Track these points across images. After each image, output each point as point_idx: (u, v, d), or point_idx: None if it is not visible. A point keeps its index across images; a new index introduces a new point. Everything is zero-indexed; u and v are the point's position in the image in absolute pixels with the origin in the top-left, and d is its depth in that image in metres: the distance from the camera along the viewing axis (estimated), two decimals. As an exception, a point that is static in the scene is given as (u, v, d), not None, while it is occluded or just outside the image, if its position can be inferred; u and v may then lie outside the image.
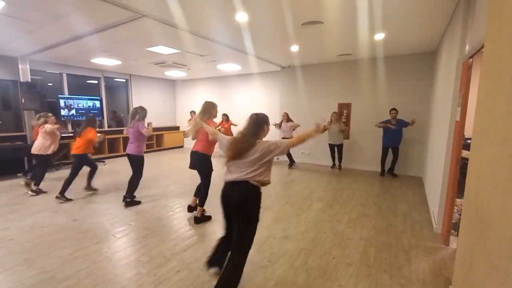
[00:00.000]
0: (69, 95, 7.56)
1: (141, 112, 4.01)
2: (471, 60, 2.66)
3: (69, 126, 7.69)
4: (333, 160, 6.84)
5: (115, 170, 6.59)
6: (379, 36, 4.57)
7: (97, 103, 7.85)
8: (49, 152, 4.65)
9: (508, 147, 1.17)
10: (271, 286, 2.25)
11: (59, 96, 7.11)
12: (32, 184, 4.72)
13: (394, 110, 5.71)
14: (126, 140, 8.66)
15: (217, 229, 3.34)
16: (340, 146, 6.53)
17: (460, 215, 2.69)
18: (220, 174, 3.61)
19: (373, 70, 6.38)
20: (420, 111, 5.87)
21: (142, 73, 9.25)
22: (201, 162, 3.42)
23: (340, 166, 6.74)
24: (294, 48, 5.49)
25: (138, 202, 4.17)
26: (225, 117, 7.93)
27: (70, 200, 4.31)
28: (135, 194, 4.20)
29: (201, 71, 8.74)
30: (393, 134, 5.74)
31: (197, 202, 3.58)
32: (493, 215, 1.28)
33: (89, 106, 7.63)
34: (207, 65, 7.50)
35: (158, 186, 5.14)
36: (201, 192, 3.49)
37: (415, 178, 5.91)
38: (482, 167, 1.50)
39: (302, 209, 3.98)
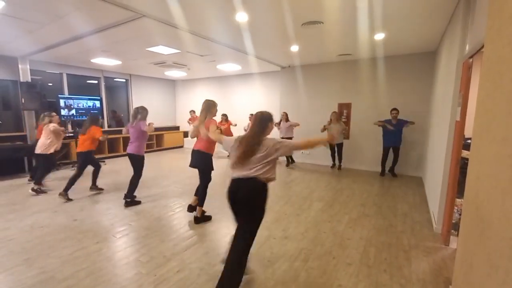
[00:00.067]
0: (69, 95, 7.56)
1: (143, 112, 4.03)
2: (471, 60, 2.66)
3: (69, 126, 7.69)
4: (333, 159, 6.84)
5: (115, 170, 6.58)
6: (379, 36, 4.57)
7: (97, 103, 7.85)
8: (51, 151, 4.66)
9: (508, 147, 1.17)
10: (271, 286, 2.25)
11: (59, 96, 7.11)
12: (33, 183, 4.73)
13: (395, 110, 5.71)
14: (126, 140, 8.68)
15: (217, 229, 3.34)
16: (340, 146, 6.52)
17: (460, 215, 2.69)
18: (219, 174, 3.62)
19: (373, 70, 6.38)
20: (420, 111, 5.87)
21: (142, 73, 9.25)
22: (202, 161, 3.42)
23: (340, 166, 6.74)
24: (294, 48, 5.49)
25: (138, 202, 4.17)
26: (224, 117, 7.93)
27: (71, 200, 4.30)
28: (135, 194, 4.20)
29: (201, 71, 8.74)
30: (394, 135, 5.74)
31: (197, 200, 3.57)
32: (493, 215, 1.28)
33: (89, 106, 7.63)
34: (207, 65, 7.50)
35: (158, 186, 5.14)
36: (200, 192, 3.49)
37: (415, 178, 5.91)
38: (482, 167, 1.50)
39: (302, 209, 3.98)
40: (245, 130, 7.53)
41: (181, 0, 3.24)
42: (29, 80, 6.53)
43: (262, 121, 2.13)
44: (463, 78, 2.76)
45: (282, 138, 6.53)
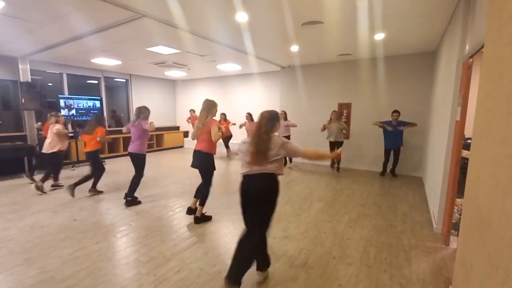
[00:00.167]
0: (69, 95, 7.56)
1: (145, 111, 4.06)
2: (471, 60, 2.66)
3: (69, 126, 7.68)
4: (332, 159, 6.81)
5: (115, 170, 6.58)
6: (379, 36, 4.57)
7: (97, 103, 7.85)
8: (53, 150, 4.70)
9: (508, 147, 1.17)
10: (271, 286, 2.25)
11: (59, 96, 7.11)
12: (38, 180, 4.79)
13: (396, 112, 5.66)
14: (126, 140, 8.69)
15: (217, 229, 3.34)
16: (340, 145, 6.41)
17: (460, 215, 2.69)
18: (220, 174, 3.63)
19: (373, 70, 6.38)
20: (420, 111, 5.87)
21: (142, 73, 9.25)
22: (204, 161, 3.41)
23: (338, 168, 6.64)
24: (294, 48, 5.50)
25: (139, 202, 4.18)
26: (223, 116, 7.93)
27: (73, 196, 4.36)
28: (136, 194, 4.20)
29: (201, 71, 8.74)
30: (394, 137, 5.71)
31: (196, 203, 3.56)
32: (493, 215, 1.28)
33: (89, 106, 7.63)
34: (207, 65, 7.50)
35: (158, 186, 5.14)
36: (202, 192, 3.48)
37: (415, 178, 5.91)
38: (482, 167, 1.50)
39: (302, 209, 3.98)
40: (246, 129, 7.53)
41: (181, 0, 3.24)
42: (29, 80, 6.53)
43: (270, 120, 2.22)
44: (463, 78, 2.76)
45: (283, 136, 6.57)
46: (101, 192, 4.68)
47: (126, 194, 4.14)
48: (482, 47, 1.80)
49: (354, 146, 6.83)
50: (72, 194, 4.34)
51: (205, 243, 2.97)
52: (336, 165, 6.71)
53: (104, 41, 5.05)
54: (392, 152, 5.90)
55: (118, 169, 6.70)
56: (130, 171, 4.16)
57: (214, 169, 3.49)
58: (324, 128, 6.27)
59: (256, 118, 7.10)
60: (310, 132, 7.24)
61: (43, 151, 4.75)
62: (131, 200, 4.11)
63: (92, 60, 6.85)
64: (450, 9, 3.43)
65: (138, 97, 9.66)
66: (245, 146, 2.23)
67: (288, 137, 6.53)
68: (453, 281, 2.03)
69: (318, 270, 2.47)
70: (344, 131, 6.34)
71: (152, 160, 7.86)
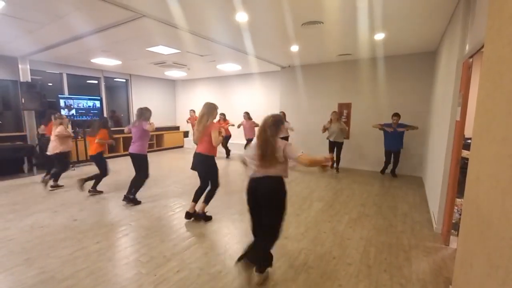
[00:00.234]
0: (69, 95, 7.56)
1: (146, 113, 4.08)
2: (471, 60, 2.66)
3: (69, 126, 7.68)
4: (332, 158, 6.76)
5: (115, 170, 6.58)
6: (379, 36, 4.57)
7: (97, 103, 7.85)
8: (56, 151, 4.75)
9: (508, 147, 1.17)
10: (271, 286, 2.25)
11: (59, 96, 7.11)
12: (51, 180, 4.94)
13: (396, 116, 5.63)
14: (125, 140, 8.69)
15: (217, 229, 3.34)
16: (340, 145, 6.36)
17: (460, 215, 2.69)
18: (220, 175, 3.66)
19: (373, 70, 6.37)
20: (420, 111, 5.87)
21: (142, 73, 9.25)
22: (206, 165, 3.44)
23: (337, 169, 6.55)
24: (294, 48, 5.50)
25: (139, 202, 4.18)
26: (223, 116, 7.93)
27: (82, 191, 4.55)
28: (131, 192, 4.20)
29: (201, 71, 8.74)
30: (394, 139, 5.69)
31: (195, 207, 3.54)
32: (493, 215, 1.28)
33: (89, 106, 7.62)
34: (207, 65, 7.50)
35: (158, 186, 5.14)
36: (209, 192, 3.51)
37: (415, 178, 5.91)
38: (482, 167, 1.50)
39: (302, 209, 3.98)
40: (244, 127, 7.51)
41: (181, 0, 3.24)
42: (29, 80, 6.53)
43: (274, 124, 2.27)
44: (463, 78, 2.76)
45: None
46: (101, 192, 4.69)
47: (125, 195, 4.14)
48: (482, 47, 1.80)
49: (354, 146, 6.82)
50: (81, 188, 4.51)
51: (205, 243, 2.97)
52: (335, 165, 6.66)
53: (104, 41, 5.05)
54: (392, 155, 5.89)
55: (118, 169, 6.70)
56: (131, 171, 4.16)
57: (218, 170, 3.52)
58: (324, 130, 6.25)
59: (256, 118, 7.08)
60: (310, 132, 7.24)
61: (48, 152, 4.82)
62: (133, 198, 4.12)
63: (92, 60, 6.85)
64: (450, 9, 3.43)
65: (138, 97, 9.66)
66: (252, 149, 2.28)
67: (286, 138, 6.51)
68: (453, 281, 2.03)
69: (318, 270, 2.47)
70: (343, 132, 6.27)
71: (152, 160, 7.81)
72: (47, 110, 6.30)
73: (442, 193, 3.16)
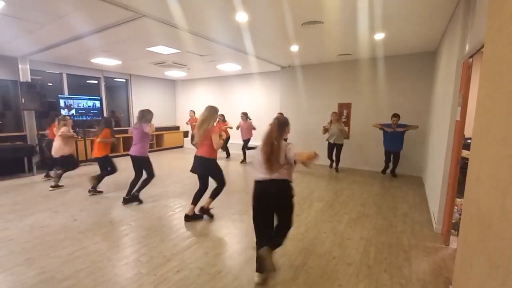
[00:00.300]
0: (69, 95, 7.56)
1: (148, 115, 4.10)
2: (471, 59, 2.66)
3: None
4: (331, 159, 6.62)
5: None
6: (379, 36, 4.57)
7: (97, 103, 7.85)
8: (61, 154, 4.82)
9: (508, 147, 1.17)
10: (271, 286, 2.25)
11: (59, 96, 7.11)
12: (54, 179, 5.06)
13: (395, 117, 5.59)
14: (125, 140, 8.70)
15: (217, 229, 3.34)
16: (339, 147, 6.33)
17: (460, 215, 2.69)
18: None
19: (373, 70, 6.37)
20: (420, 111, 5.87)
21: (142, 73, 9.25)
22: (207, 168, 3.46)
23: (337, 169, 6.53)
24: (294, 48, 5.50)
25: (140, 201, 4.21)
26: (222, 117, 7.93)
27: (96, 192, 4.66)
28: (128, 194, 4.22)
29: (201, 71, 8.74)
30: (394, 139, 5.65)
31: (194, 210, 3.56)
32: (493, 215, 1.28)
33: (89, 106, 7.62)
34: (207, 65, 7.50)
35: (158, 186, 5.14)
36: (216, 189, 3.53)
37: (415, 178, 5.91)
38: (482, 167, 1.50)
39: (302, 209, 3.98)
40: (241, 128, 7.50)
41: (181, 0, 3.24)
42: (29, 80, 6.53)
43: (279, 126, 2.31)
44: (463, 78, 2.76)
45: None
46: (101, 192, 4.69)
47: (124, 198, 4.16)
48: (482, 47, 1.80)
49: (354, 146, 6.82)
50: (93, 184, 4.66)
51: (205, 243, 2.97)
52: (335, 165, 6.63)
53: (104, 41, 5.05)
54: (392, 155, 5.86)
55: (119, 169, 6.68)
56: (131, 172, 4.17)
57: (221, 169, 3.54)
58: (325, 131, 6.23)
59: (256, 118, 7.09)
60: (310, 132, 7.24)
61: (53, 154, 4.88)
62: (137, 195, 4.18)
63: (92, 60, 6.85)
64: (450, 9, 3.43)
65: (138, 97, 9.66)
66: (258, 152, 2.33)
67: (285, 139, 6.46)
68: (453, 281, 2.03)
69: (318, 270, 2.47)
70: (343, 133, 6.20)
71: (152, 160, 7.82)
72: (51, 112, 6.36)
73: (442, 193, 3.16)
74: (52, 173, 5.55)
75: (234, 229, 3.35)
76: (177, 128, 11.24)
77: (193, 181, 5.58)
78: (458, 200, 2.98)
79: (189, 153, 9.27)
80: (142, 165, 4.14)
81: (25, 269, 2.46)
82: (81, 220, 3.57)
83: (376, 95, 6.43)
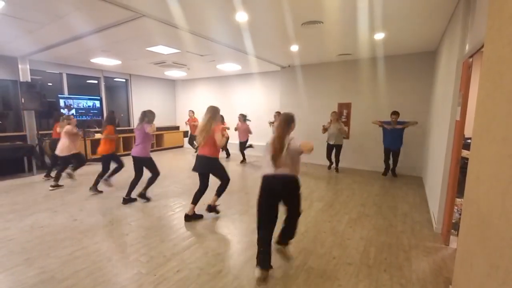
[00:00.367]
0: (69, 95, 7.55)
1: (150, 115, 4.14)
2: (471, 59, 2.66)
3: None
4: (329, 160, 6.56)
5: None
6: (379, 36, 4.57)
7: (97, 103, 7.84)
8: (65, 153, 4.88)
9: (508, 147, 1.17)
10: (271, 286, 2.25)
11: (59, 96, 7.10)
12: (71, 170, 5.23)
13: (394, 114, 5.56)
14: (125, 139, 8.70)
15: (217, 229, 3.34)
16: (338, 147, 6.29)
17: (460, 215, 2.69)
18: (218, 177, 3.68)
19: (373, 70, 6.37)
20: (420, 111, 5.87)
21: (142, 73, 9.25)
22: (212, 166, 3.51)
23: (337, 169, 6.50)
24: (294, 48, 5.49)
25: (148, 199, 4.31)
26: (221, 117, 7.91)
27: (101, 192, 4.71)
28: (135, 194, 4.23)
29: (201, 71, 8.74)
30: (394, 136, 5.61)
31: (194, 209, 3.57)
32: (493, 215, 1.28)
33: (89, 106, 7.62)
34: (207, 65, 7.50)
35: (158, 186, 5.13)
36: (221, 186, 3.59)
37: (415, 178, 5.91)
38: (482, 167, 1.50)
39: (302, 209, 3.97)
40: (239, 130, 7.49)
41: (181, 0, 3.24)
42: (29, 80, 6.52)
43: (286, 122, 2.43)
44: (463, 78, 2.76)
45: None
46: (100, 192, 4.69)
47: (124, 198, 4.17)
48: (482, 46, 1.80)
49: (354, 146, 6.82)
50: (110, 185, 4.82)
51: (204, 243, 2.97)
52: (334, 166, 6.60)
53: (104, 41, 5.04)
54: (391, 154, 5.83)
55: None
56: (131, 171, 4.18)
57: (223, 166, 3.61)
58: (324, 130, 6.21)
59: (256, 118, 7.10)
60: (310, 132, 7.23)
61: (57, 153, 4.92)
62: (144, 194, 4.27)
63: (92, 60, 6.85)
64: (450, 9, 3.43)
65: (138, 97, 9.66)
66: (268, 147, 2.43)
67: None
68: (453, 281, 2.03)
69: (318, 270, 2.47)
70: (342, 133, 6.15)
71: (152, 160, 7.84)
72: (54, 112, 6.43)
73: (442, 193, 3.16)
74: (54, 173, 5.50)
75: (234, 229, 3.35)
76: (177, 128, 11.24)
77: (193, 181, 5.58)
78: (458, 200, 2.98)
79: (189, 153, 9.27)
80: (145, 165, 4.18)
81: (25, 269, 2.46)
82: (81, 220, 3.57)
83: (376, 95, 6.43)
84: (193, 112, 8.79)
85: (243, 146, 7.54)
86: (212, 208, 3.66)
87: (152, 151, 9.47)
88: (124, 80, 9.34)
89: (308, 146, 2.27)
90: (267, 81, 8.85)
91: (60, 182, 5.05)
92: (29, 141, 6.62)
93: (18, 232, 3.20)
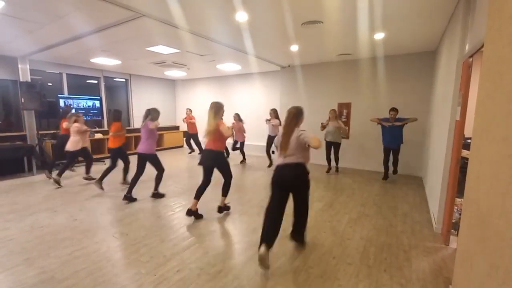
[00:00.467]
0: (68, 95, 7.56)
1: (154, 113, 4.29)
2: (471, 59, 2.66)
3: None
4: (329, 162, 6.39)
5: (116, 169, 6.56)
6: (379, 36, 4.57)
7: (97, 103, 7.85)
8: (78, 148, 5.09)
9: (508, 147, 1.17)
10: (271, 286, 2.25)
11: (59, 96, 7.11)
12: (85, 173, 5.49)
13: (393, 111, 5.42)
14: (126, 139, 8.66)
15: (217, 229, 3.34)
16: (336, 145, 6.19)
17: (460, 214, 2.69)
18: (219, 174, 3.67)
19: (373, 69, 6.37)
20: (420, 111, 5.86)
21: (142, 73, 9.25)
22: (218, 160, 3.59)
23: (337, 169, 6.44)
24: (294, 47, 5.49)
25: (162, 195, 4.45)
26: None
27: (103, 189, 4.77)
28: (135, 194, 4.23)
29: (201, 71, 8.74)
30: (392, 134, 5.47)
31: (196, 205, 3.60)
32: (493, 215, 1.28)
33: (88, 106, 7.63)
34: (207, 65, 7.50)
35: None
36: (225, 184, 3.66)
37: (415, 178, 5.91)
38: (482, 167, 1.50)
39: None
40: (234, 129, 7.48)
41: (181, 0, 3.24)
42: (29, 80, 6.52)
43: (296, 115, 2.65)
44: (463, 78, 2.76)
45: (269, 135, 6.50)
46: (102, 188, 4.74)
47: (125, 195, 4.19)
48: (482, 46, 1.80)
49: (354, 146, 6.82)
50: (125, 182, 4.98)
51: (204, 243, 2.97)
52: (334, 165, 6.55)
53: (104, 41, 5.04)
54: (391, 153, 5.68)
55: (118, 168, 6.67)
56: (132, 171, 4.19)
57: (228, 163, 3.70)
58: (323, 127, 6.18)
59: (256, 118, 7.13)
60: (310, 132, 7.21)
61: (68, 149, 5.05)
62: (156, 193, 4.41)
63: (92, 60, 6.85)
64: (450, 9, 3.43)
65: (138, 97, 9.66)
66: (278, 139, 2.64)
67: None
68: (453, 281, 2.03)
69: (318, 270, 2.47)
70: (341, 131, 6.09)
71: (152, 160, 7.83)
72: (62, 109, 6.64)
73: (442, 193, 3.16)
74: (55, 174, 5.45)
75: (234, 229, 3.35)
76: (177, 128, 11.24)
77: (193, 181, 5.58)
78: (458, 200, 2.98)
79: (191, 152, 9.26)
80: (150, 161, 4.27)
81: (25, 269, 2.46)
82: (81, 220, 3.57)
83: (376, 95, 6.43)
84: (190, 110, 8.79)
85: (241, 146, 7.55)
86: (223, 208, 3.76)
87: (152, 151, 9.49)
88: (124, 80, 9.34)
89: (317, 143, 2.44)
90: (267, 81, 8.85)
91: (60, 183, 5.05)
92: (29, 141, 6.62)
93: (18, 232, 3.20)
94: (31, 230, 3.25)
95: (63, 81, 7.67)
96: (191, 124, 8.54)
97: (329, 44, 5.21)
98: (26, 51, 5.89)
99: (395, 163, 5.75)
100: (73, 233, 3.19)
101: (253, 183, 5.49)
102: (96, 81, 8.52)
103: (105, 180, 4.81)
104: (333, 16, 3.69)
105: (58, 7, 3.48)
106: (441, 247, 2.90)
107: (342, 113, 6.89)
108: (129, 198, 4.18)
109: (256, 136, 7.89)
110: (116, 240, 3.04)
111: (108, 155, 7.97)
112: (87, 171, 5.48)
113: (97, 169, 5.78)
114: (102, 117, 8.31)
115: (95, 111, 7.71)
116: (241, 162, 7.56)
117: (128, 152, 5.06)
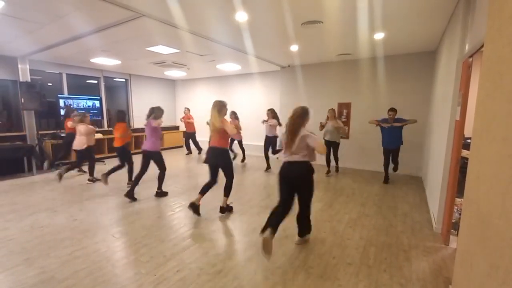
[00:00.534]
0: (68, 95, 7.56)
1: (157, 111, 4.32)
2: (471, 59, 2.66)
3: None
4: (328, 164, 6.25)
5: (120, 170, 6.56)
6: (379, 36, 4.57)
7: (97, 103, 7.85)
8: (84, 147, 5.15)
9: (508, 147, 1.17)
10: (271, 286, 2.25)
11: (59, 96, 7.11)
12: (88, 175, 5.49)
13: (391, 111, 5.32)
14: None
15: (217, 229, 3.34)
16: (335, 145, 6.13)
17: (460, 214, 2.69)
18: (220, 174, 3.68)
19: (373, 69, 6.37)
20: (420, 111, 5.86)
21: (142, 72, 9.25)
22: (222, 157, 3.63)
23: (337, 168, 6.40)
24: (294, 47, 5.49)
25: (165, 194, 4.54)
26: (234, 114, 7.92)
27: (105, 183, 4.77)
28: (136, 194, 4.23)
29: (201, 71, 8.74)
30: (392, 135, 5.39)
31: (200, 200, 3.63)
32: (493, 215, 1.28)
33: (88, 106, 7.63)
34: (207, 65, 7.50)
35: (158, 186, 5.13)
36: (227, 185, 3.68)
37: (415, 178, 5.91)
38: (482, 167, 1.50)
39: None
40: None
41: (181, 0, 3.24)
42: (29, 80, 6.52)
43: (301, 115, 2.69)
44: (463, 77, 2.76)
45: (267, 136, 6.44)
46: (106, 183, 4.80)
47: (128, 191, 4.24)
48: (482, 46, 1.80)
49: (354, 146, 6.82)
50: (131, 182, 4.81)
51: (205, 243, 2.97)
52: (334, 166, 6.52)
53: (104, 41, 5.04)
54: (391, 153, 5.57)
55: (125, 168, 6.67)
56: (134, 170, 4.21)
57: (231, 163, 3.74)
58: (321, 127, 6.15)
59: (256, 118, 7.13)
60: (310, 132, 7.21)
61: (76, 148, 5.15)
62: (160, 192, 4.47)
63: (92, 60, 6.85)
64: (450, 8, 3.43)
65: (138, 97, 9.66)
66: (284, 137, 2.73)
67: (276, 137, 6.21)
68: (453, 281, 2.03)
69: (318, 270, 2.47)
70: (340, 131, 6.03)
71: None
72: (65, 109, 6.72)
73: (442, 193, 3.16)
74: (61, 171, 5.36)
75: (234, 229, 3.35)
76: (177, 128, 11.24)
77: (193, 181, 5.59)
78: (458, 200, 2.98)
79: (189, 153, 9.26)
80: (154, 159, 4.30)
81: (25, 269, 2.46)
82: (81, 220, 3.57)
83: (376, 95, 6.43)
84: (188, 109, 8.80)
85: (240, 144, 7.53)
86: (225, 209, 3.77)
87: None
88: (124, 80, 9.34)
89: (323, 150, 2.59)
90: (267, 81, 8.85)
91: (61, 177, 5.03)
92: (29, 141, 6.62)
93: (18, 232, 3.20)
94: (31, 230, 3.25)
95: (63, 81, 7.67)
96: (189, 124, 8.55)
97: (329, 44, 5.21)
98: (26, 51, 5.89)
99: (396, 165, 5.67)
100: (73, 233, 3.19)
101: (253, 183, 5.50)
102: (96, 81, 8.52)
103: (108, 179, 4.78)
104: (333, 16, 3.69)
105: (58, 7, 3.48)
106: (441, 247, 2.90)
107: (342, 113, 6.89)
108: (131, 196, 4.19)
109: (256, 136, 7.89)
110: (116, 240, 3.04)
111: (108, 155, 8.10)
112: (91, 172, 5.45)
113: (97, 169, 5.77)
114: (102, 117, 8.31)
115: (95, 111, 7.71)
116: (242, 161, 7.55)
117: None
